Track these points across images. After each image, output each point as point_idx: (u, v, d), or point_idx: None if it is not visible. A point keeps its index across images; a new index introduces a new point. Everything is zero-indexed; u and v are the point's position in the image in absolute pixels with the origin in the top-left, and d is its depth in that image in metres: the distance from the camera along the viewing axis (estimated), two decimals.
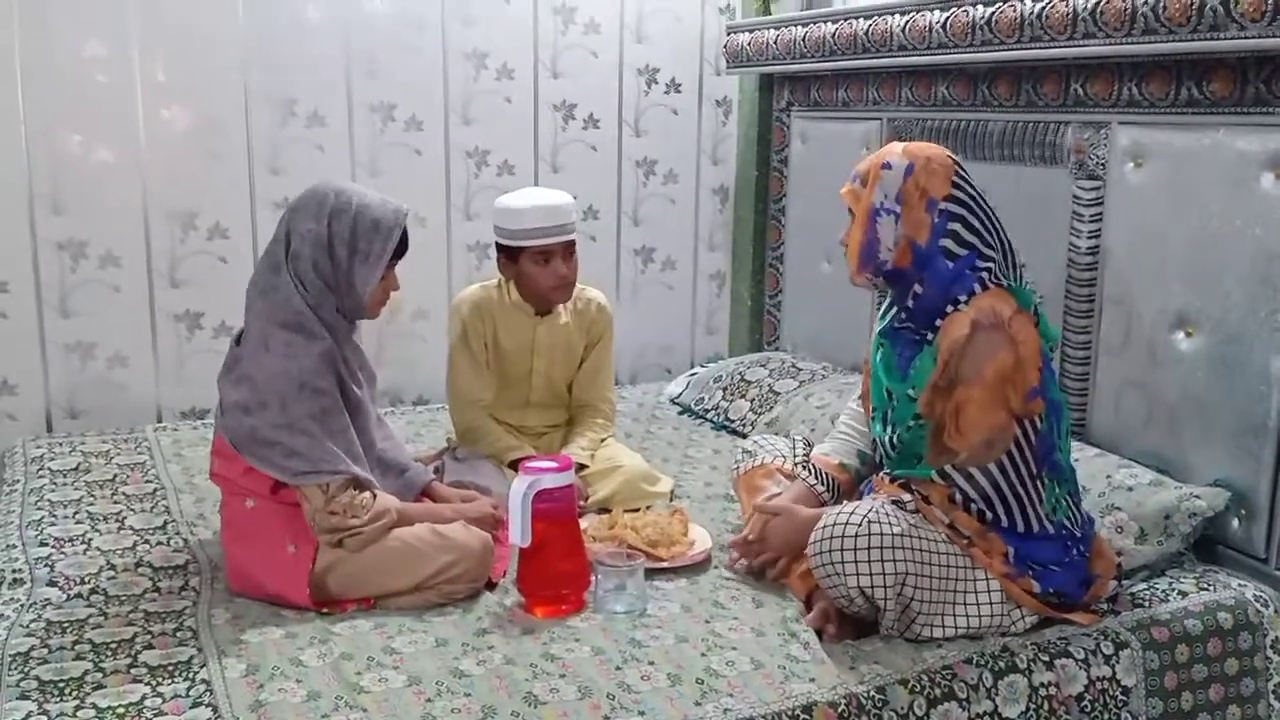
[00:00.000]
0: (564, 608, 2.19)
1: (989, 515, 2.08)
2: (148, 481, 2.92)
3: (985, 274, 2.13)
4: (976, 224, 2.16)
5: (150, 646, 2.02)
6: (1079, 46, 2.52)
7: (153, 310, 3.54)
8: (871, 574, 2.02)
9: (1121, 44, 2.42)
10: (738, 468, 2.64)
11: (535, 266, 2.78)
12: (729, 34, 3.91)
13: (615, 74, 3.98)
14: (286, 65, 3.55)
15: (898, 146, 2.19)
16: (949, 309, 2.11)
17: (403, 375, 3.84)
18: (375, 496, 2.23)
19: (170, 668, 1.94)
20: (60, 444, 3.20)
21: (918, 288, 2.13)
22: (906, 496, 2.10)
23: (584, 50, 3.92)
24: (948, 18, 2.88)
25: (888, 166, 2.14)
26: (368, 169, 3.68)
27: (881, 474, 2.19)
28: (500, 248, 2.83)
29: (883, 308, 2.31)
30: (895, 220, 2.13)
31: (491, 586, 2.30)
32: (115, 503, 2.76)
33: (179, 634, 2.08)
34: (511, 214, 2.76)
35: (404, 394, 3.86)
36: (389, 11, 3.64)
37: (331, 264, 2.22)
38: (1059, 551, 2.12)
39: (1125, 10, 2.37)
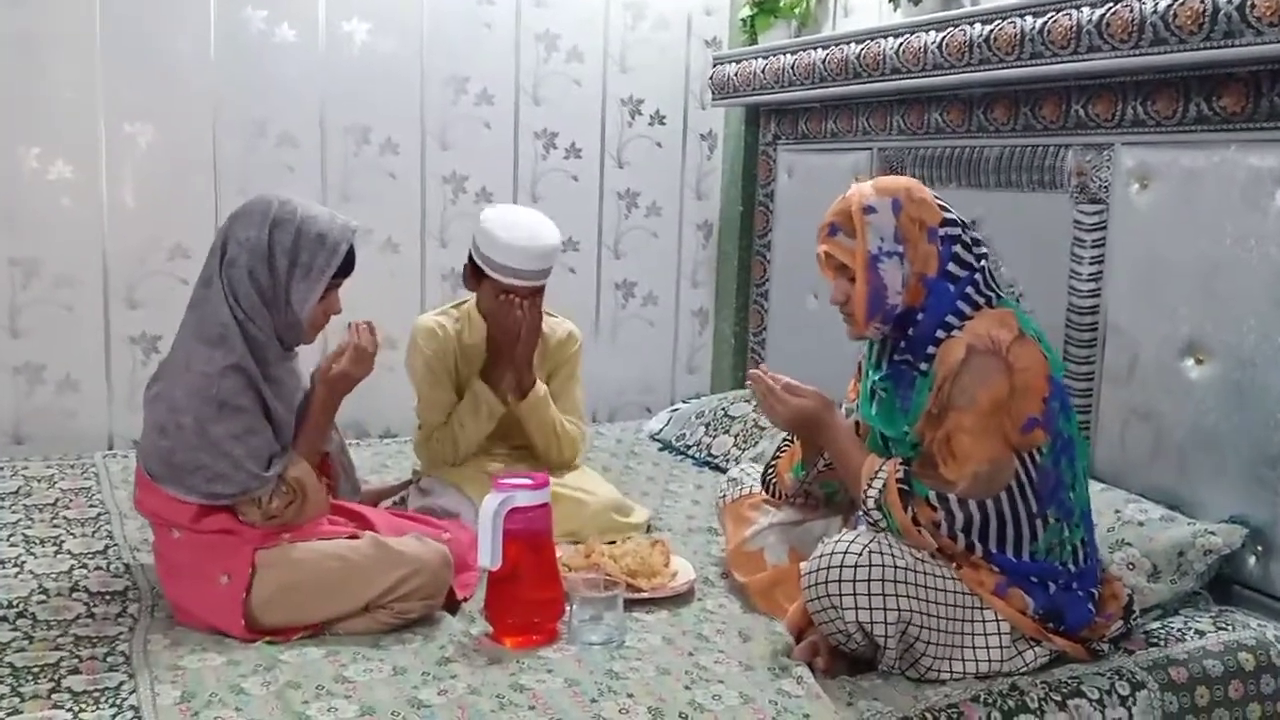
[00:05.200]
0: (535, 638, 2.02)
1: (978, 549, 1.93)
2: (91, 506, 2.73)
3: (971, 289, 2.00)
4: (969, 239, 2.04)
5: (76, 671, 1.84)
6: (1083, 61, 2.43)
7: (107, 332, 3.37)
8: (871, 609, 1.86)
9: (1129, 57, 2.32)
10: (723, 497, 2.48)
11: (492, 295, 2.64)
12: (715, 65, 3.82)
13: (598, 104, 3.89)
14: (257, 85, 3.43)
15: (863, 187, 2.04)
16: (940, 334, 1.98)
17: (369, 406, 3.66)
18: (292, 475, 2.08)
19: (96, 693, 1.76)
20: (1, 468, 3.01)
21: (920, 316, 2.00)
22: (876, 515, 1.95)
23: (566, 78, 3.82)
24: (944, 38, 2.79)
25: (870, 210, 1.99)
26: (339, 192, 3.55)
27: (895, 459, 2.02)
28: (471, 260, 2.67)
29: (871, 355, 2.16)
30: (900, 260, 1.98)
31: (454, 609, 2.12)
32: (55, 526, 2.58)
33: (110, 659, 1.89)
34: (492, 241, 2.58)
35: (370, 426, 3.69)
36: (365, 33, 3.53)
37: (270, 275, 2.08)
38: (1053, 575, 1.96)
39: (1133, 20, 2.27)
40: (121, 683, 1.80)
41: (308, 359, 2.32)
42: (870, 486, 1.96)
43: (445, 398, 2.71)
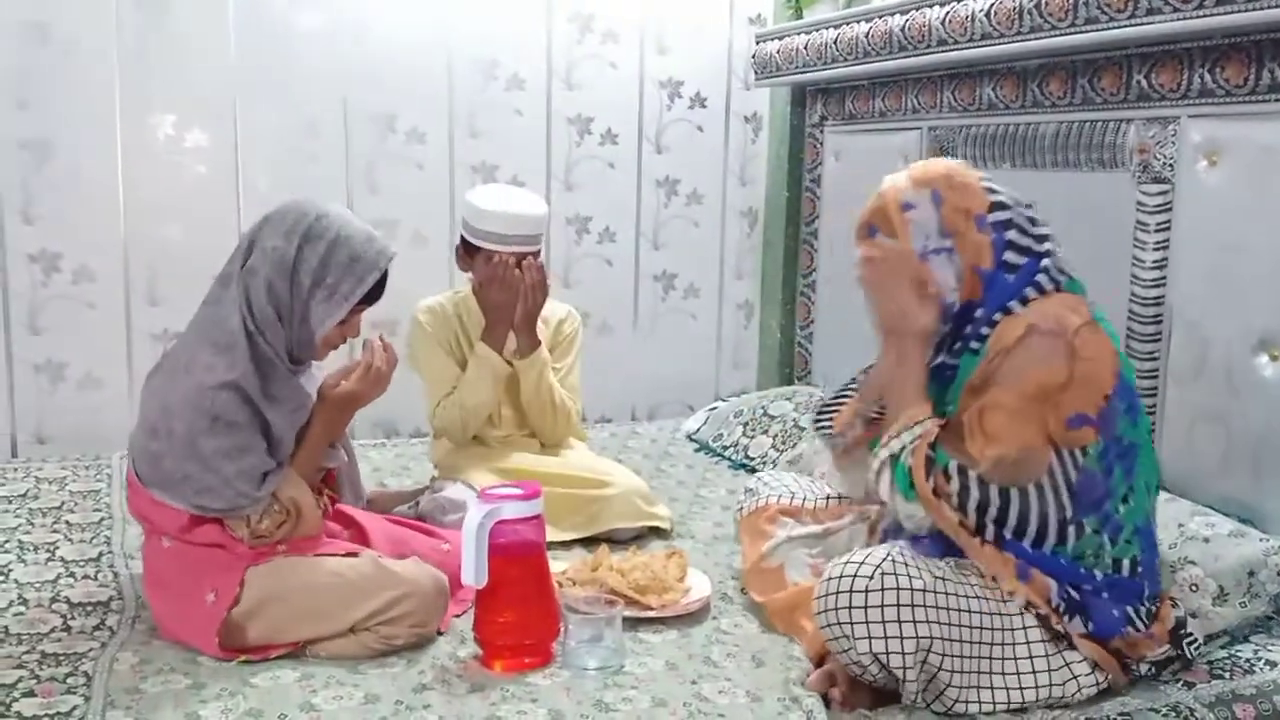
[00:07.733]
0: (527, 661, 1.86)
1: (990, 531, 1.73)
2: (96, 511, 2.65)
3: (1043, 275, 1.80)
4: (1025, 223, 1.83)
5: (31, 694, 1.73)
6: (1144, 25, 2.19)
7: (129, 329, 3.30)
8: (887, 637, 1.67)
9: (1194, 18, 2.09)
10: (740, 508, 2.31)
11: (485, 266, 2.62)
12: (758, 43, 3.62)
13: (636, 86, 3.71)
14: (278, 72, 3.32)
15: (898, 181, 1.85)
16: (999, 316, 1.78)
17: (398, 405, 3.51)
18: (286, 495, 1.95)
19: (46, 719, 1.64)
20: (16, 469, 2.95)
21: (979, 312, 1.81)
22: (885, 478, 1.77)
23: (602, 60, 3.65)
24: (992, 5, 2.56)
25: (909, 206, 1.81)
26: (364, 182, 3.44)
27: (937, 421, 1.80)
28: (461, 238, 2.68)
29: None
30: (949, 256, 1.80)
31: (442, 630, 1.98)
32: (54, 531, 2.50)
33: (70, 680, 1.78)
34: (475, 211, 2.62)
35: (400, 425, 3.57)
36: (389, 15, 3.40)
37: (290, 291, 1.94)
38: (1075, 578, 1.75)
39: None
40: (75, 707, 1.68)
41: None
42: (898, 437, 1.77)
43: (449, 369, 2.69)
